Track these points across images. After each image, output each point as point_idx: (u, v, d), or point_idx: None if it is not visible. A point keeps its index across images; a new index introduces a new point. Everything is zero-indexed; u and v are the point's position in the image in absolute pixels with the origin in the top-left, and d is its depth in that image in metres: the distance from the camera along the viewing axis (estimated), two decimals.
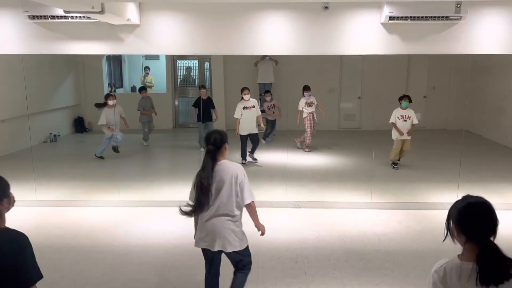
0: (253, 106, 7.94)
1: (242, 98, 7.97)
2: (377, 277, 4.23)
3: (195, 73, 11.34)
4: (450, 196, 6.33)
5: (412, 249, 4.86)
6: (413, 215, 5.85)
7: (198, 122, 8.72)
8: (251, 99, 7.99)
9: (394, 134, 7.75)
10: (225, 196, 3.22)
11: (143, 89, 9.39)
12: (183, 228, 5.45)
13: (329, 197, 6.45)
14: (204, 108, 8.70)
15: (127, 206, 6.21)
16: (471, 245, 1.91)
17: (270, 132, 9.40)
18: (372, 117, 10.14)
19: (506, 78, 9.69)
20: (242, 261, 3.40)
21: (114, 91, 10.33)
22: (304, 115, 8.76)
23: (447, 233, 2.03)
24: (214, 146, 3.23)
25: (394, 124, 7.75)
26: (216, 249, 3.27)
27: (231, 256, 3.35)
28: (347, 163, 8.61)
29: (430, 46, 5.87)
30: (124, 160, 8.31)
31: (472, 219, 1.94)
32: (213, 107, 8.78)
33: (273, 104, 9.15)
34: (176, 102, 10.86)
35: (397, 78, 10.73)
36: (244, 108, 7.92)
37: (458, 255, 1.97)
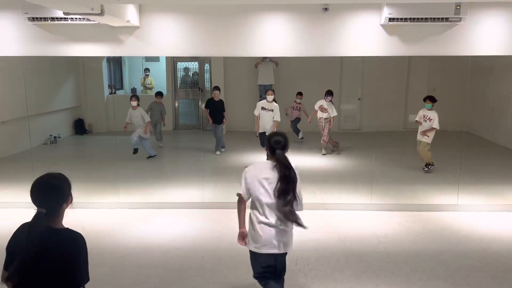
0: (272, 110, 7.81)
1: (266, 98, 7.94)
2: (377, 279, 4.23)
3: (192, 74, 11.34)
4: (450, 197, 6.33)
5: (412, 251, 4.85)
6: (413, 216, 5.84)
7: (213, 124, 8.72)
8: (274, 103, 7.84)
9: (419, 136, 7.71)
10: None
11: (158, 94, 9.33)
12: (183, 230, 5.45)
13: (329, 198, 6.44)
14: (215, 110, 8.71)
15: (127, 208, 6.20)
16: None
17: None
18: (372, 118, 10.15)
19: (506, 79, 9.69)
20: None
21: (114, 92, 10.34)
22: (318, 116, 8.84)
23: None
24: (283, 150, 3.17)
25: (417, 121, 7.70)
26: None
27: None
28: (347, 165, 8.61)
29: (430, 47, 5.87)
30: (124, 162, 8.30)
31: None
32: (224, 110, 8.77)
33: (297, 106, 9.22)
34: (176, 104, 10.87)
35: (397, 80, 10.75)
36: (262, 108, 7.88)
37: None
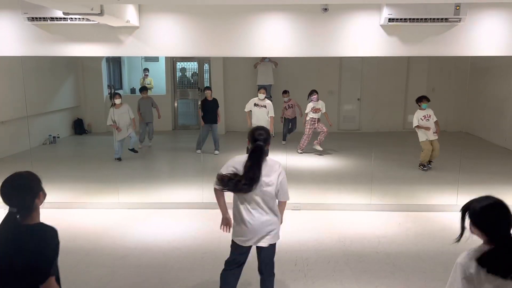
0: (265, 106, 7.93)
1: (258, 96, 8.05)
2: (376, 279, 4.23)
3: (191, 74, 11.33)
4: (450, 198, 6.33)
5: (411, 251, 4.85)
6: (413, 217, 5.84)
7: (207, 124, 8.74)
8: (266, 100, 8.00)
9: (422, 136, 7.80)
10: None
11: (143, 89, 9.35)
12: (182, 230, 5.45)
13: (329, 199, 6.44)
14: (210, 109, 8.72)
15: (126, 208, 6.20)
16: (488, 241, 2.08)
17: (288, 132, 9.41)
18: (372, 119, 10.15)
19: (505, 80, 9.70)
20: None
21: (114, 93, 10.33)
22: (308, 117, 8.83)
23: (461, 233, 2.17)
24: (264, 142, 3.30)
25: (418, 127, 7.80)
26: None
27: None
28: (346, 165, 8.61)
29: (430, 48, 5.87)
30: (124, 162, 8.30)
31: (492, 218, 2.09)
32: (218, 107, 8.81)
33: (291, 104, 9.21)
34: (176, 104, 10.87)
35: (396, 80, 10.75)
36: (255, 104, 7.99)
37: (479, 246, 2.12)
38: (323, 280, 4.20)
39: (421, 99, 7.78)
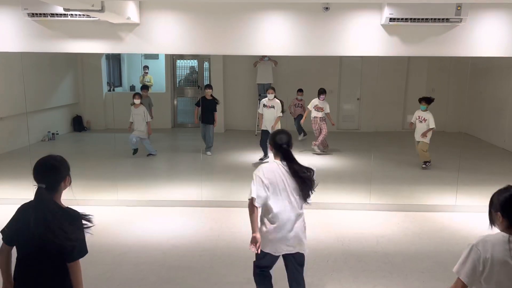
0: (272, 107, 7.96)
1: (267, 96, 8.11)
2: (375, 279, 4.23)
3: (191, 72, 11.33)
4: (449, 198, 6.34)
5: (410, 251, 4.85)
6: (412, 217, 5.85)
7: (201, 124, 8.68)
8: (275, 99, 8.00)
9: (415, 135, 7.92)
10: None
11: (144, 88, 9.35)
12: (181, 228, 5.45)
13: (328, 198, 6.43)
14: (206, 109, 8.65)
15: (125, 205, 6.19)
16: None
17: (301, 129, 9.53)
18: (371, 118, 10.15)
19: (505, 81, 9.71)
20: None
21: (113, 90, 10.32)
22: (312, 116, 8.88)
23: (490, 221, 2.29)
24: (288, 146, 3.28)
25: (411, 124, 7.89)
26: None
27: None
28: (345, 165, 8.61)
29: (430, 48, 5.87)
30: (123, 159, 8.29)
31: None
32: (215, 110, 8.69)
33: (302, 104, 9.27)
34: (175, 102, 10.86)
35: (396, 80, 10.76)
36: (264, 105, 8.03)
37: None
38: (321, 280, 4.20)
39: (420, 100, 7.80)
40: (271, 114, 7.95)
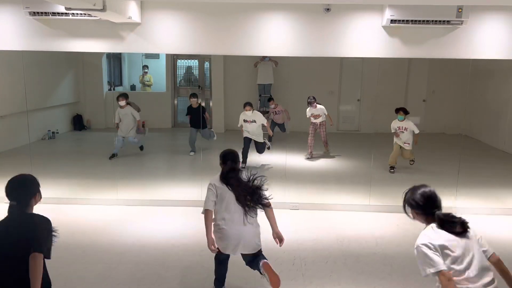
0: (254, 121, 7.84)
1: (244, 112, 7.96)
2: (374, 280, 4.23)
3: (186, 72, 11.32)
4: (448, 200, 6.34)
5: (409, 253, 4.83)
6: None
7: (191, 128, 8.85)
8: (255, 112, 7.91)
9: (395, 139, 7.89)
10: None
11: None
12: (181, 228, 5.45)
13: (328, 199, 6.44)
14: (195, 115, 8.75)
15: (125, 204, 6.19)
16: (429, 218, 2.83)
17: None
18: (371, 120, 10.15)
19: (505, 83, 9.71)
20: None
21: (113, 89, 10.31)
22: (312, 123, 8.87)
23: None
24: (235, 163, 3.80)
25: (397, 134, 7.88)
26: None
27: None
28: (345, 166, 8.61)
29: (431, 50, 5.87)
30: (123, 159, 8.29)
31: (427, 202, 2.87)
32: (204, 113, 8.81)
33: (278, 110, 9.16)
34: (176, 101, 10.85)
35: (397, 82, 10.74)
36: (244, 120, 7.94)
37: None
38: (320, 280, 4.20)
39: (398, 110, 7.79)
40: (253, 127, 7.88)
